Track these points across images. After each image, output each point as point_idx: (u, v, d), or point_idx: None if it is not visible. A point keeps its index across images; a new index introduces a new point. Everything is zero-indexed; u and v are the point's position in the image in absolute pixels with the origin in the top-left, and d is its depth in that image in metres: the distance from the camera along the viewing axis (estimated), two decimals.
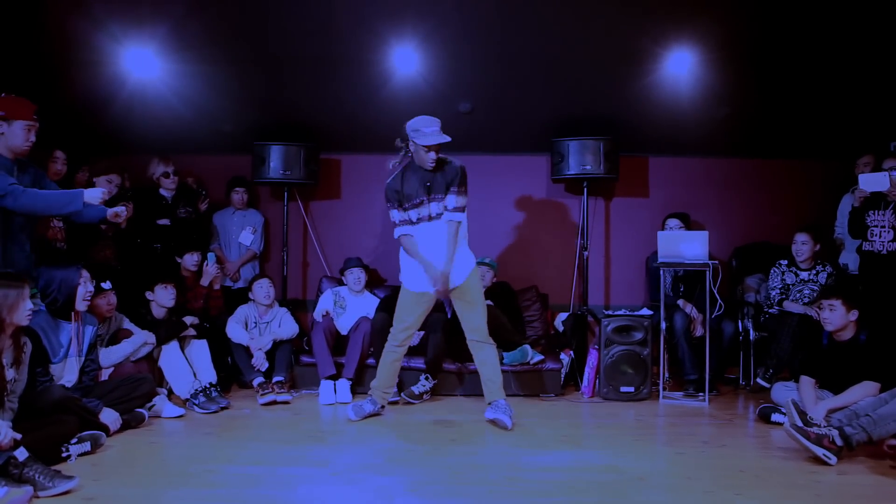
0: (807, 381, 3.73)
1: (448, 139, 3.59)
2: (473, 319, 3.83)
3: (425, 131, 3.59)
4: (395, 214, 3.80)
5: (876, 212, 4.41)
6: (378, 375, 4.02)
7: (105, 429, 3.31)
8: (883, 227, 4.38)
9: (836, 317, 3.66)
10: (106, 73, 4.57)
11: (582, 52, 4.52)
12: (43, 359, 3.32)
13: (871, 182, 4.36)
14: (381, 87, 4.79)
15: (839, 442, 3.09)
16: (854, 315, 3.66)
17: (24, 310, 2.95)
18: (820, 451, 3.08)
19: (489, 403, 3.85)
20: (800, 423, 3.18)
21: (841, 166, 5.22)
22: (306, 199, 5.69)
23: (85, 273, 3.54)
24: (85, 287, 3.52)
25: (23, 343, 3.03)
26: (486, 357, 3.84)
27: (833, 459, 3.08)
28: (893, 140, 5.23)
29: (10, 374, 2.91)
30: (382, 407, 4.03)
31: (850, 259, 4.90)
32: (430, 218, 3.76)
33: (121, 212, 3.67)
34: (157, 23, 4.20)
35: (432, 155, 3.64)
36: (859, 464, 3.13)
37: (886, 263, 4.35)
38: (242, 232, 5.34)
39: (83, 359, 3.59)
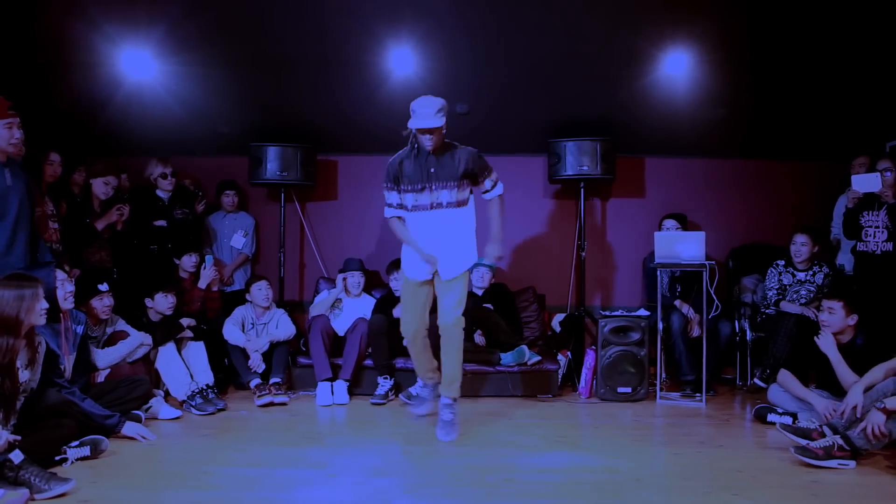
0: (786, 375, 3.79)
1: (439, 123, 3.36)
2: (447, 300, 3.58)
3: (417, 112, 3.38)
4: (391, 197, 3.61)
5: (870, 212, 4.43)
6: (415, 367, 3.88)
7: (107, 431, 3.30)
8: (877, 227, 4.40)
9: (836, 320, 3.65)
10: (102, 74, 4.56)
11: (579, 53, 4.52)
12: (54, 362, 3.28)
13: (863, 183, 4.38)
14: (378, 89, 4.78)
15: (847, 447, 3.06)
16: (853, 319, 3.64)
17: (40, 309, 2.96)
18: (834, 463, 3.05)
19: (437, 397, 3.74)
20: (803, 442, 3.15)
21: (837, 167, 5.23)
22: (303, 201, 5.68)
23: (59, 273, 3.50)
24: (63, 288, 3.49)
25: (37, 343, 3.03)
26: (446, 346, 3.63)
27: (851, 464, 3.05)
28: (889, 140, 5.25)
29: (24, 375, 2.91)
30: (437, 385, 3.80)
31: (846, 260, 4.92)
32: (431, 206, 3.55)
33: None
34: (154, 24, 4.19)
35: (426, 139, 3.41)
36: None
37: (881, 263, 4.37)
38: (234, 235, 5.33)
39: (73, 356, 3.57)
